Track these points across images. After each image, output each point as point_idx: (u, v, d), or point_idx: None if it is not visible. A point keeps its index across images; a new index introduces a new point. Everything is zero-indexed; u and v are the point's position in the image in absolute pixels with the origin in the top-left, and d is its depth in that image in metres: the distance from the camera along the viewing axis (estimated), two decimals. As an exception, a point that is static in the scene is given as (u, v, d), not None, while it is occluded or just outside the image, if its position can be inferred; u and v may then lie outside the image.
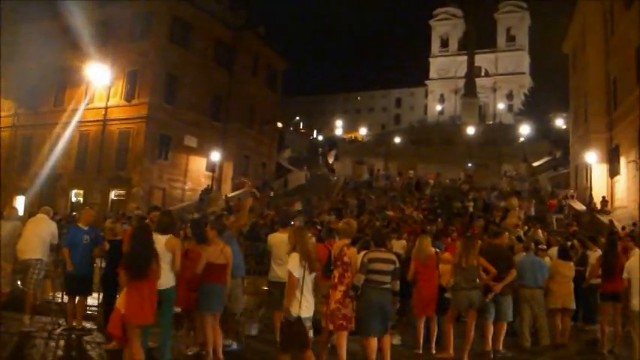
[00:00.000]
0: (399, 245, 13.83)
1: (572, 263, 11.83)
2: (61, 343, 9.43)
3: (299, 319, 7.52)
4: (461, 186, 43.26)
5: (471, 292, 9.78)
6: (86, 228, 10.78)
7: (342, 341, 8.37)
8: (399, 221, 24.19)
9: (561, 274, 11.41)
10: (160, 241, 8.20)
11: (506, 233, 11.95)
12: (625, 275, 9.29)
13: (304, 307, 7.61)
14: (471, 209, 31.37)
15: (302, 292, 7.58)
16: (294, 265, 7.59)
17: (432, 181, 45.47)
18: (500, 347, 10.37)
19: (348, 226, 9.28)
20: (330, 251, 9.67)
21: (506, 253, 10.61)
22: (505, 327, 10.46)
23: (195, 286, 8.74)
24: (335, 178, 54.59)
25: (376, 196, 39.49)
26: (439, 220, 25.44)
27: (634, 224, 24.96)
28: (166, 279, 8.19)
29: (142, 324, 7.67)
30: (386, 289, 8.50)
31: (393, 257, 8.95)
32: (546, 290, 11.39)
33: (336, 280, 8.55)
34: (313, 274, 7.81)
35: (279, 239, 10.33)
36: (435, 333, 10.48)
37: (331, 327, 8.46)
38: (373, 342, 8.37)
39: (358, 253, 8.76)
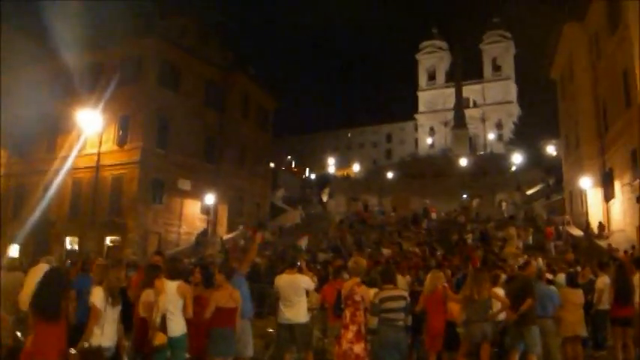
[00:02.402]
0: (403, 282, 13.73)
1: (580, 290, 11.76)
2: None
3: (99, 348, 7.66)
4: (457, 218, 43.21)
5: (483, 324, 9.67)
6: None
7: (358, 382, 8.26)
8: (396, 257, 24.03)
9: (571, 302, 11.31)
10: (171, 287, 8.16)
11: (534, 263, 11.85)
12: (638, 300, 9.22)
13: (105, 336, 7.79)
14: (469, 240, 31.30)
15: (104, 323, 7.78)
16: (97, 298, 7.80)
17: (434, 214, 45.42)
18: None
19: (357, 265, 9.31)
20: (338, 291, 9.58)
21: (528, 283, 10.44)
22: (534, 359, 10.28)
23: (205, 332, 8.60)
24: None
25: (372, 231, 39.39)
26: (437, 253, 25.38)
27: (633, 247, 24.94)
28: (177, 325, 8.14)
29: None
30: (400, 326, 8.42)
31: (404, 293, 8.95)
32: (556, 318, 11.29)
33: (347, 319, 8.49)
34: (117, 307, 8.04)
35: (286, 280, 10.24)
36: (449, 368, 10.35)
37: (345, 368, 8.36)
38: (388, 381, 8.24)
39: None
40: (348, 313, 8.52)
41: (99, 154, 37.24)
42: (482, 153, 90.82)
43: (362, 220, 46.31)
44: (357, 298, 8.50)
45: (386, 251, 26.78)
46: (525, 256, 22.64)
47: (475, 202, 52.26)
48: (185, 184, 40.94)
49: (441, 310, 10.36)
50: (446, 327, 10.25)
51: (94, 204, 37.96)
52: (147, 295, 8.52)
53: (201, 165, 43.27)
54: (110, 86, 37.82)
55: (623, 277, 11.20)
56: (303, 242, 29.47)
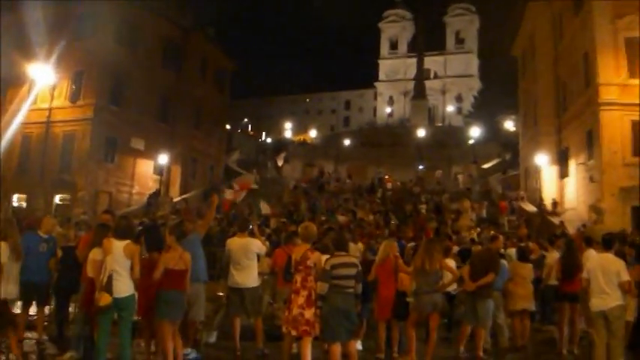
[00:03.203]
0: (355, 249, 13.83)
1: (530, 265, 11.99)
2: (11, 357, 9.02)
3: (4, 301, 8.57)
4: (412, 188, 43.48)
5: (433, 294, 9.83)
6: (45, 236, 10.41)
7: (307, 347, 8.35)
8: (350, 225, 24.19)
9: (521, 275, 11.54)
10: (118, 246, 8.08)
11: (501, 237, 12.01)
12: (584, 276, 9.42)
13: (9, 290, 8.70)
14: (423, 211, 31.58)
15: (8, 278, 8.67)
16: (2, 253, 8.61)
17: (390, 184, 45.65)
18: (480, 353, 10.44)
19: (307, 231, 9.24)
20: (289, 256, 9.61)
21: (495, 258, 10.66)
22: (483, 333, 10.51)
23: (154, 294, 8.56)
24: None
25: (327, 198, 39.43)
26: (392, 222, 25.62)
27: (583, 225, 25.44)
28: (124, 286, 8.07)
29: None
30: (350, 293, 8.48)
31: (355, 260, 8.99)
32: (505, 292, 11.51)
33: (298, 284, 8.56)
34: (19, 262, 9.06)
35: (237, 244, 10.28)
36: (397, 337, 10.49)
37: (294, 333, 8.42)
38: (337, 348, 8.33)
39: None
40: (299, 279, 8.58)
41: (50, 109, 36.47)
42: (440, 125, 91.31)
43: (319, 186, 46.29)
44: (310, 263, 8.58)
45: (341, 218, 26.89)
46: (478, 229, 23.05)
47: (438, 173, 52.60)
48: (138, 144, 40.41)
49: (391, 279, 10.44)
50: (396, 296, 10.34)
51: (43, 161, 37.24)
52: (94, 254, 8.46)
53: (155, 125, 42.75)
54: (65, 40, 36.90)
55: (572, 254, 11.40)
56: (264, 208, 29.53)
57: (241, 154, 69.62)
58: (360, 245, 15.10)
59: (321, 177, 52.11)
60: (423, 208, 32.94)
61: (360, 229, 22.00)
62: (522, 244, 14.96)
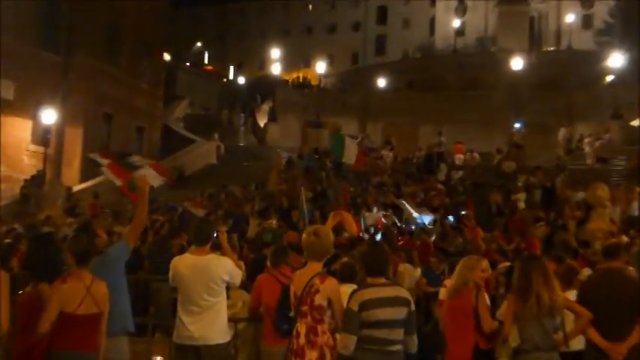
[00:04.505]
0: (411, 274, 13.81)
1: None
2: None
3: None
4: (502, 164, 43.53)
5: (550, 355, 9.49)
6: None
7: None
8: (390, 230, 24.30)
9: None
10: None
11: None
12: None
13: None
14: (522, 205, 31.59)
15: None
16: None
17: (460, 156, 45.65)
18: None
19: (319, 240, 9.07)
20: (284, 286, 9.57)
21: (634, 287, 10.07)
22: None
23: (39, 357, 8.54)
24: None
25: (347, 183, 39.42)
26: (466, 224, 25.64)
27: None
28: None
29: None
30: (395, 352, 8.37)
31: (405, 294, 8.77)
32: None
33: (301, 339, 8.51)
34: None
35: (192, 266, 10.05)
36: None
37: None
38: None
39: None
40: (302, 329, 8.54)
41: None
42: (552, 49, 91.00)
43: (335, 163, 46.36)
44: (321, 300, 8.52)
45: (373, 218, 26.99)
46: (625, 238, 22.94)
47: (563, 134, 52.31)
48: (5, 90, 40.30)
49: (468, 326, 10.39)
50: (476, 357, 10.32)
51: None
52: None
53: (36, 55, 42.71)
54: None
55: None
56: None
57: (193, 105, 69.81)
58: (410, 267, 15.10)
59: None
60: (522, 199, 32.93)
61: (407, 238, 22.06)
62: None
